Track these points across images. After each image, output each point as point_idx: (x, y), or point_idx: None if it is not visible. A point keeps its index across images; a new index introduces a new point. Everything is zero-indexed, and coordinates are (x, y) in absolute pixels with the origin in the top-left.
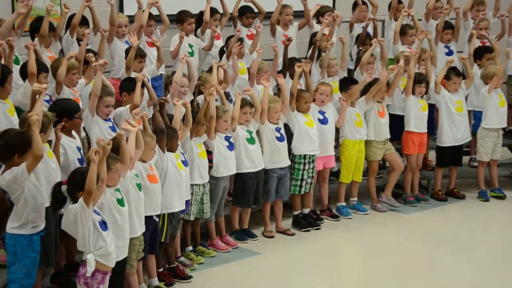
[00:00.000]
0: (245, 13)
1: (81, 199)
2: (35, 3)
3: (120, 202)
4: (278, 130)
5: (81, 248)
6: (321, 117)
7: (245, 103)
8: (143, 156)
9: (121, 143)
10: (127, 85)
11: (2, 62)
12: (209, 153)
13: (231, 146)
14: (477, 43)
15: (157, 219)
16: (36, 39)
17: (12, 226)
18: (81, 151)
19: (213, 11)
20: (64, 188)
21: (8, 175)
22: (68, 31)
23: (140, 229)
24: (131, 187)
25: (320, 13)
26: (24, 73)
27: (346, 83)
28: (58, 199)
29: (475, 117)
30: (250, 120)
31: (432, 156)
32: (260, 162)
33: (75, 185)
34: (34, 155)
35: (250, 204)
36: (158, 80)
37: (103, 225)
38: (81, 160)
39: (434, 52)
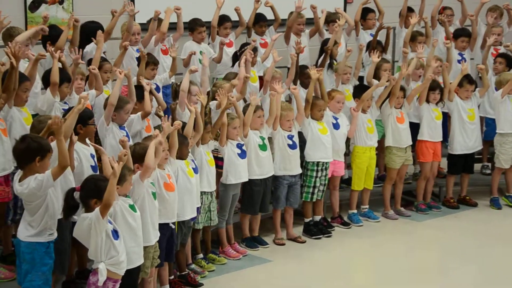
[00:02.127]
0: (258, 22)
1: (97, 210)
2: (47, 11)
3: (132, 208)
4: (290, 137)
5: (93, 257)
6: (334, 121)
7: (257, 107)
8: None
9: (125, 148)
10: (137, 93)
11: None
12: (220, 159)
13: (243, 154)
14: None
15: (173, 226)
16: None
17: (28, 235)
18: (95, 158)
19: (224, 19)
20: (77, 194)
21: (33, 183)
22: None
23: (154, 237)
24: (146, 195)
25: (328, 21)
26: (46, 81)
27: (361, 90)
28: (70, 205)
29: (487, 124)
30: (264, 124)
31: (444, 163)
32: (269, 169)
33: (88, 193)
34: (61, 165)
35: (257, 211)
36: (169, 88)
37: (115, 234)
38: (94, 167)
39: (451, 61)
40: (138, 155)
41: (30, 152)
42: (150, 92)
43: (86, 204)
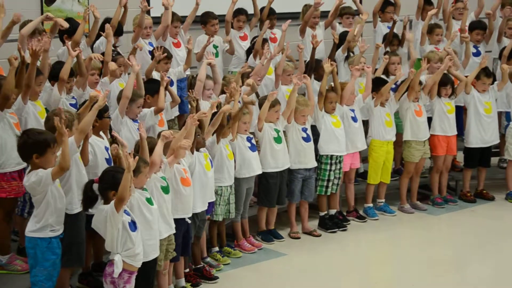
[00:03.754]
0: (268, 16)
1: (112, 204)
2: (63, 5)
3: (149, 201)
4: (304, 130)
5: (109, 248)
6: (352, 114)
7: (275, 101)
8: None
9: (142, 144)
10: (150, 87)
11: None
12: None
13: (253, 147)
14: (506, 41)
15: (189, 221)
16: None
17: (30, 230)
18: (109, 151)
19: (239, 12)
20: (95, 186)
21: (33, 177)
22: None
23: (165, 231)
24: (154, 189)
25: (341, 13)
26: (52, 75)
27: (377, 84)
28: (89, 197)
29: (508, 118)
30: (280, 117)
31: (460, 157)
32: (284, 162)
33: (106, 185)
34: (60, 166)
35: (274, 203)
36: (184, 81)
37: (133, 225)
38: (109, 160)
39: (468, 55)
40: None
41: (26, 148)
42: (172, 84)
43: (104, 196)
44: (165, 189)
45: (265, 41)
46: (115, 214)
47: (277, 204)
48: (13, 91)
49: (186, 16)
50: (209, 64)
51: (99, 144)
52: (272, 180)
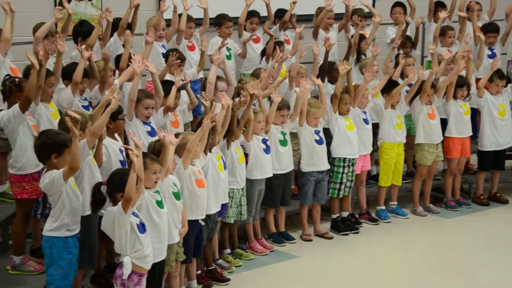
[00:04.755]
0: (281, 17)
1: (119, 204)
2: (76, 8)
3: (160, 204)
4: (317, 133)
5: (118, 250)
6: (364, 116)
7: (283, 105)
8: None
9: (164, 151)
10: (165, 89)
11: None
12: (246, 155)
13: (268, 149)
14: None
15: (202, 223)
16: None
17: (48, 229)
18: (123, 153)
19: (252, 14)
20: (104, 188)
21: (47, 178)
22: (115, 34)
23: (177, 236)
24: (167, 195)
25: (352, 16)
26: (64, 76)
27: (389, 86)
28: (97, 199)
29: None
30: (286, 122)
31: (474, 160)
32: (288, 164)
33: (115, 187)
34: (70, 167)
35: (278, 204)
36: (197, 83)
37: (142, 227)
38: (123, 162)
39: (481, 57)
40: (158, 152)
41: (44, 149)
42: (183, 88)
43: (112, 197)
44: (177, 195)
45: (280, 43)
46: (123, 214)
47: (281, 205)
48: (34, 94)
49: (199, 18)
50: (218, 64)
51: (113, 146)
52: (275, 182)
